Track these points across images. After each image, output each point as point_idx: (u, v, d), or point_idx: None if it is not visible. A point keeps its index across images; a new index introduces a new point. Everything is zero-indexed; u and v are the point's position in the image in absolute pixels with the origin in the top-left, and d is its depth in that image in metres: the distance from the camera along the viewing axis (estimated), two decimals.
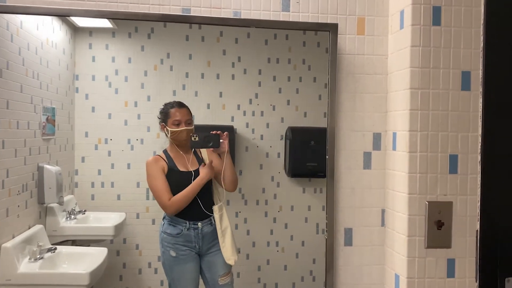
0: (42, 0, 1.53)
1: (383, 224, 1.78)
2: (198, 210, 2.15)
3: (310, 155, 2.93)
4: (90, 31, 2.87)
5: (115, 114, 2.94)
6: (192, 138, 1.98)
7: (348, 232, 1.74)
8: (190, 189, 2.16)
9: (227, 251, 2.10)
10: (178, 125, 2.11)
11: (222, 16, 1.71)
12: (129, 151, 2.97)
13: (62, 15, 2.08)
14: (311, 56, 3.02)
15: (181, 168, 2.15)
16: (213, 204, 2.21)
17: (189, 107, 2.32)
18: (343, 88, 1.73)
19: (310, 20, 1.74)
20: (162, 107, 2.19)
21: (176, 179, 2.13)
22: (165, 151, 2.19)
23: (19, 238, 1.92)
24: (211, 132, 2.07)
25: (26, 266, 1.85)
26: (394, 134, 1.72)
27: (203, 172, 2.07)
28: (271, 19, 1.71)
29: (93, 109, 2.92)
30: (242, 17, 1.68)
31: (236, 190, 2.14)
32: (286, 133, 3.04)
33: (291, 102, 3.07)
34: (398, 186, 1.68)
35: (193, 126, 2.16)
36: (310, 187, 3.11)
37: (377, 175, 1.76)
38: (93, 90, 2.90)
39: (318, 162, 3.02)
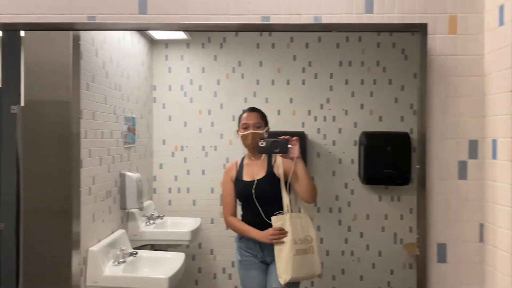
0: (127, 16, 1.60)
1: (481, 240, 1.62)
2: (258, 218, 1.97)
3: (386, 161, 2.80)
4: (166, 43, 3.00)
5: (190, 122, 3.04)
6: (259, 144, 1.89)
7: (442, 248, 1.59)
8: (243, 229, 2.03)
9: (280, 268, 1.88)
10: (246, 128, 2.02)
11: (302, 22, 1.65)
12: (203, 157, 3.05)
13: (151, 30, 2.08)
14: (386, 58, 2.90)
15: (246, 178, 2.03)
16: (278, 212, 1.98)
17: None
18: (434, 92, 1.59)
19: (396, 21, 1.63)
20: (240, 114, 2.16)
21: (239, 188, 2.06)
22: (243, 158, 2.14)
23: (104, 242, 2.04)
24: (279, 137, 1.96)
25: (110, 269, 1.96)
26: (494, 141, 1.56)
27: (259, 235, 1.96)
28: (354, 22, 1.63)
29: (169, 118, 3.04)
30: (323, 21, 1.62)
31: (315, 200, 1.95)
32: (360, 138, 2.94)
33: (365, 106, 2.97)
34: (500, 198, 1.52)
35: (263, 131, 2.03)
36: (387, 195, 2.97)
37: (474, 186, 1.59)
38: (170, 100, 3.02)
39: (396, 169, 2.89)
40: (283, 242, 1.89)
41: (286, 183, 1.93)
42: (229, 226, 2.10)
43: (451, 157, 1.58)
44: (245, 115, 2.07)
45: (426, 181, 1.57)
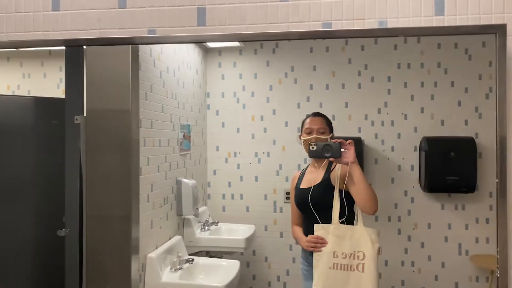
0: (186, 29, 1.62)
1: None
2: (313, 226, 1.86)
3: (449, 167, 2.65)
4: (219, 50, 3.02)
5: (243, 128, 3.04)
6: (310, 147, 1.79)
7: None
8: (297, 237, 1.96)
9: (315, 278, 1.77)
10: (309, 133, 1.91)
11: (366, 27, 1.57)
12: (256, 164, 3.04)
13: (210, 41, 2.10)
14: (447, 59, 2.75)
15: (303, 185, 1.95)
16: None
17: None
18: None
19: (470, 23, 1.51)
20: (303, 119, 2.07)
21: (296, 196, 1.98)
22: (307, 166, 2.06)
23: (161, 248, 2.07)
24: (331, 140, 1.84)
25: (168, 276, 1.98)
26: None
27: (302, 242, 1.86)
28: (423, 25, 1.53)
29: (223, 125, 3.06)
30: (389, 26, 1.53)
31: (376, 211, 1.73)
32: (420, 143, 2.80)
33: (426, 110, 2.83)
34: None
35: (327, 137, 1.92)
36: (450, 203, 2.81)
37: None
38: (223, 106, 3.05)
39: (460, 176, 2.72)
40: (320, 251, 1.76)
41: (342, 191, 1.83)
42: (292, 233, 2.04)
43: None
44: (308, 119, 1.97)
45: (507, 191, 1.43)
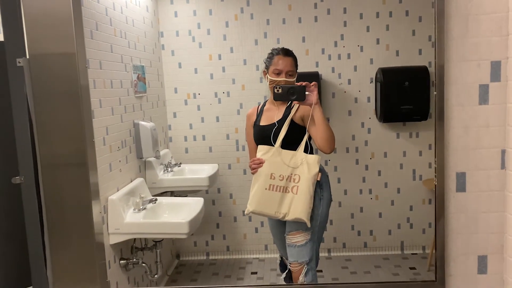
0: None
1: (503, 166, 1.56)
2: None
3: (404, 97, 2.71)
4: None
5: (201, 68, 2.97)
6: (275, 90, 1.78)
7: (461, 177, 1.54)
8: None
9: (250, 197, 1.87)
10: (278, 74, 1.85)
11: None
12: (216, 104, 3.01)
13: None
14: None
15: (263, 122, 1.93)
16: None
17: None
18: (453, 11, 1.46)
19: None
20: (270, 51, 1.93)
21: (256, 133, 1.97)
22: (264, 102, 2.04)
23: (123, 191, 2.07)
24: (296, 83, 1.83)
25: (131, 216, 2.00)
26: None
27: None
28: None
29: (179, 65, 2.97)
30: None
31: (332, 150, 1.78)
32: (376, 75, 2.83)
33: (381, 41, 2.83)
34: None
35: (294, 79, 1.87)
36: (405, 132, 2.91)
37: (496, 111, 1.50)
38: (178, 46, 2.94)
39: (414, 105, 2.81)
40: (256, 172, 1.82)
41: (298, 127, 1.85)
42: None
43: (471, 81, 1.49)
44: (277, 59, 1.87)
45: (444, 108, 1.50)
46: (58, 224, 1.72)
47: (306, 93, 1.76)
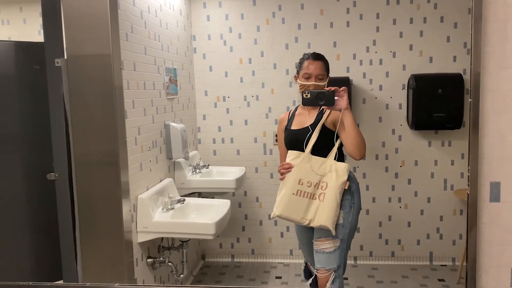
0: None
1: None
2: None
3: (437, 105, 2.65)
4: None
5: (231, 72, 3.00)
6: (304, 95, 1.77)
7: (495, 187, 1.50)
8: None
9: (277, 200, 1.89)
10: (308, 78, 1.85)
11: None
12: (245, 107, 3.02)
13: None
14: None
15: (295, 126, 1.93)
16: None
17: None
18: (491, 16, 1.42)
19: None
20: (301, 56, 1.93)
21: (287, 137, 1.96)
22: (297, 107, 2.04)
23: (152, 190, 2.10)
24: (325, 88, 1.81)
25: (160, 216, 2.03)
26: None
27: None
28: None
29: (210, 68, 3.01)
30: None
31: (363, 156, 1.76)
32: (408, 81, 2.79)
33: (414, 47, 2.78)
34: None
35: (325, 83, 1.86)
36: (437, 140, 2.85)
37: None
38: (210, 49, 2.98)
39: (447, 112, 2.74)
40: (284, 178, 1.82)
41: (329, 132, 1.84)
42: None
43: (508, 89, 1.44)
44: (307, 63, 1.88)
45: (479, 116, 1.45)
46: (89, 221, 1.77)
47: (336, 98, 1.75)
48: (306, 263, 2.07)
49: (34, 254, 1.96)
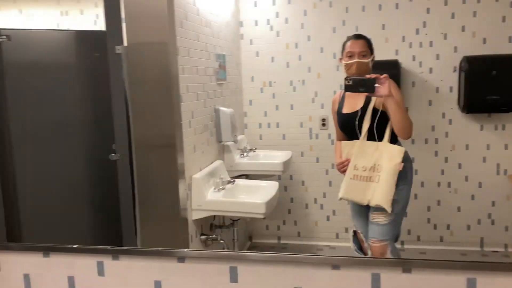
0: None
1: None
2: None
3: (491, 87, 2.58)
4: None
5: (277, 57, 3.03)
6: (346, 82, 1.82)
7: None
8: (336, 157, 2.07)
9: (342, 185, 2.06)
10: (351, 57, 1.92)
11: None
12: (291, 92, 3.05)
13: None
14: None
15: (346, 110, 2.00)
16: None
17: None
18: None
19: None
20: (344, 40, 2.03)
21: (340, 121, 2.06)
22: None
23: (205, 171, 2.19)
24: (366, 75, 1.82)
25: (212, 195, 2.12)
26: None
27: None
28: None
29: (257, 54, 3.06)
30: None
31: (410, 137, 1.85)
32: (460, 64, 2.71)
33: (467, 28, 2.70)
34: None
35: (369, 59, 1.92)
36: (490, 124, 2.76)
37: None
38: (257, 35, 3.02)
39: (501, 95, 2.65)
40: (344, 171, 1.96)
41: (383, 113, 1.88)
42: (335, 150, 2.18)
43: None
44: (349, 43, 1.96)
45: None
46: (148, 199, 1.88)
47: (376, 85, 1.78)
48: (355, 232, 2.16)
49: (97, 228, 2.12)
